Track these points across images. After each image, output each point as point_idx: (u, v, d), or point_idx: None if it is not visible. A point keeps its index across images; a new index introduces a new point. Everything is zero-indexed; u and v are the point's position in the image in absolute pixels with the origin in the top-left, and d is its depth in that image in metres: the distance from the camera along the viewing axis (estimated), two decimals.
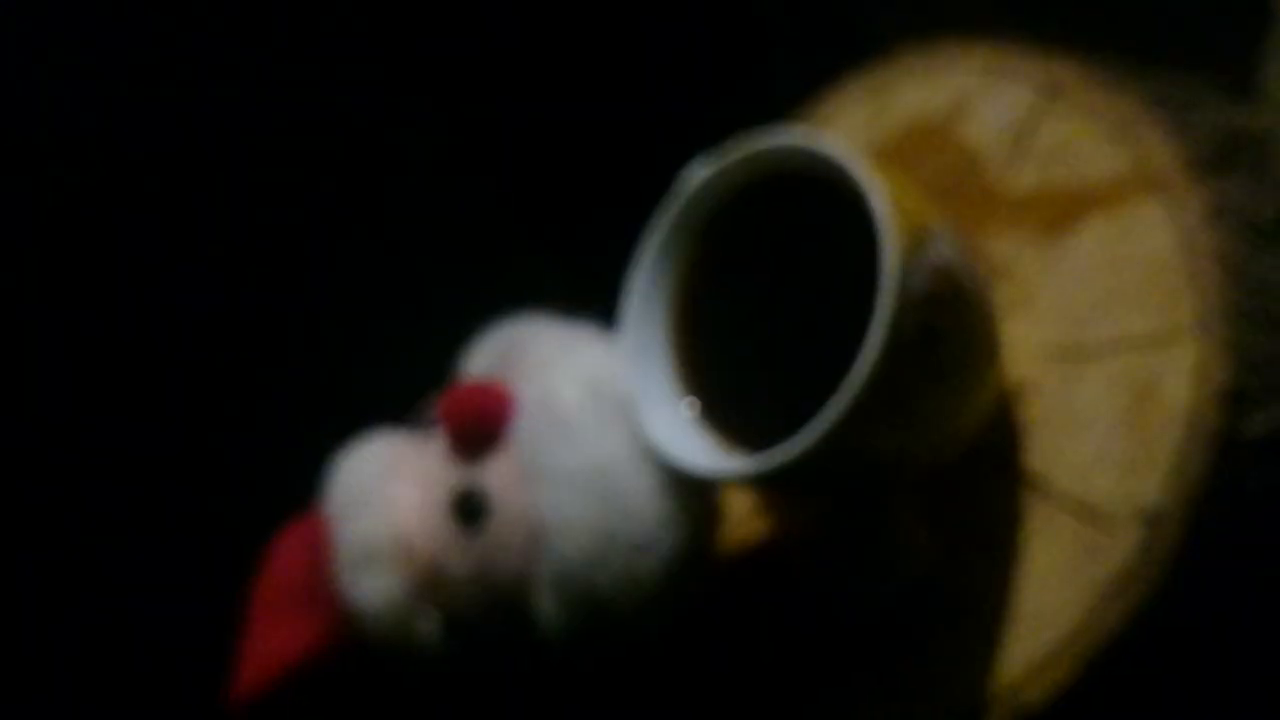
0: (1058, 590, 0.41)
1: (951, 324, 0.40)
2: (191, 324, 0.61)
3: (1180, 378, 0.41)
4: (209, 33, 0.64)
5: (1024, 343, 0.45)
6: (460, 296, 0.50)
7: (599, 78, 0.75)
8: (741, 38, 0.82)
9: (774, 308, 0.44)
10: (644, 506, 0.42)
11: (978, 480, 0.44)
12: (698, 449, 0.42)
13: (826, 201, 0.41)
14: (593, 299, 0.49)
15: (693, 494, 0.43)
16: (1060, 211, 0.45)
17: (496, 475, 0.43)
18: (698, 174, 0.44)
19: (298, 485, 0.49)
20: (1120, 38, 0.89)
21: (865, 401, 0.38)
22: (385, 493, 0.43)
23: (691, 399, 0.43)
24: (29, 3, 0.62)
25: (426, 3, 0.70)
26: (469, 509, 0.43)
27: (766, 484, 0.44)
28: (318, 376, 0.62)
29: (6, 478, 0.61)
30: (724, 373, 0.44)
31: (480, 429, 0.43)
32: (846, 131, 0.52)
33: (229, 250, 0.63)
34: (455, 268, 0.65)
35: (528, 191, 0.75)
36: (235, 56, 0.65)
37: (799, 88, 0.60)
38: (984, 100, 0.48)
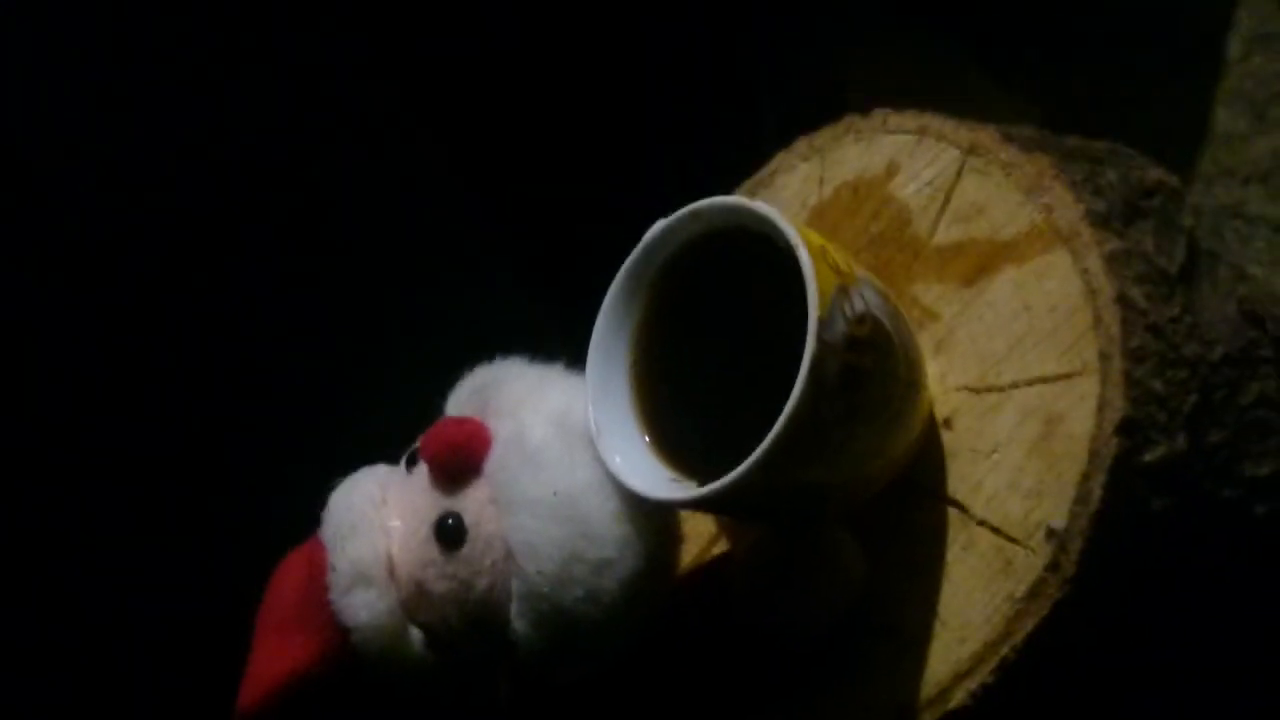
0: (978, 604, 0.46)
1: (874, 366, 0.44)
2: (195, 366, 0.65)
3: (1084, 410, 0.46)
4: (203, 61, 0.68)
5: (946, 380, 0.50)
6: (453, 339, 0.55)
7: (599, 128, 0.80)
8: (733, 102, 0.87)
9: (722, 349, 0.49)
10: (605, 530, 0.46)
11: (906, 505, 0.49)
12: (653, 478, 0.46)
13: (765, 255, 0.46)
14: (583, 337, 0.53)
15: (650, 519, 0.47)
16: (979, 261, 0.50)
17: (473, 503, 0.47)
18: (654, 227, 0.49)
19: (300, 516, 0.54)
20: (1079, 83, 0.94)
21: (792, 437, 0.42)
22: (374, 520, 0.48)
23: (649, 432, 0.48)
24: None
25: (427, 40, 0.74)
26: (448, 534, 0.47)
27: (711, 510, 0.49)
28: (318, 419, 0.66)
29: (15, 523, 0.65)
30: (678, 408, 0.48)
31: (458, 462, 0.48)
32: (793, 187, 0.57)
33: (230, 293, 0.67)
34: (449, 312, 0.69)
35: (524, 238, 0.79)
36: (230, 83, 0.68)
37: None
38: (914, 160, 0.53)
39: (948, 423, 0.49)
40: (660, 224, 0.49)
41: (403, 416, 0.53)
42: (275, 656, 0.48)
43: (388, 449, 0.54)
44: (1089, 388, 0.45)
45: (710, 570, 0.52)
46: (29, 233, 0.64)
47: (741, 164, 0.61)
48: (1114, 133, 0.64)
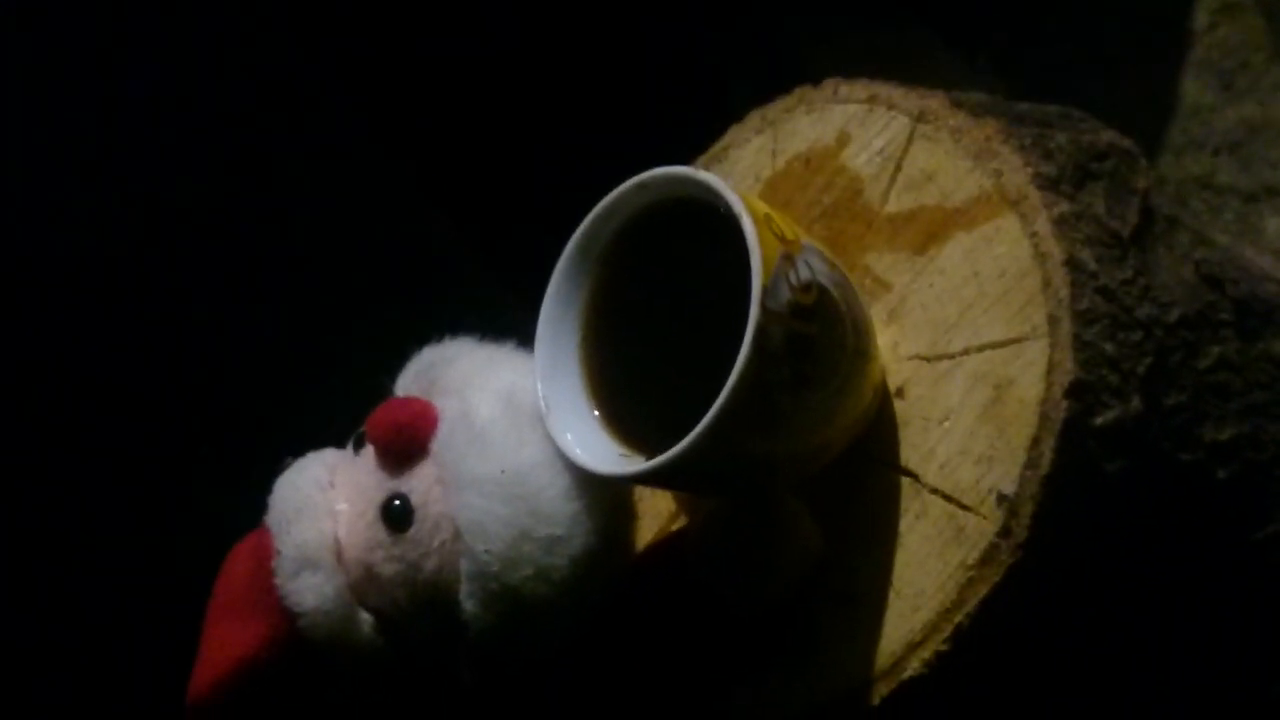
0: (931, 572, 0.45)
1: (820, 333, 0.44)
2: (140, 354, 0.65)
3: (1033, 375, 0.45)
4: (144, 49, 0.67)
5: (899, 349, 0.49)
6: (403, 321, 0.54)
7: (565, 110, 0.79)
8: (702, 87, 0.86)
9: (672, 321, 0.48)
10: (554, 508, 0.46)
11: (859, 475, 0.48)
12: (603, 454, 0.46)
13: (711, 225, 0.45)
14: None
15: (602, 496, 0.47)
16: (930, 229, 0.49)
17: (420, 484, 0.47)
18: (602, 201, 0.48)
19: (251, 503, 0.53)
20: (1046, 59, 0.94)
21: (738, 406, 0.42)
22: (320, 504, 0.47)
23: (599, 408, 0.48)
24: None
25: (375, 14, 0.73)
26: (394, 515, 0.47)
27: (662, 484, 0.48)
28: (267, 405, 0.65)
29: None
30: (629, 383, 0.48)
31: (403, 442, 0.47)
32: (746, 161, 0.56)
33: (175, 279, 0.66)
34: (399, 293, 0.69)
35: (477, 217, 0.79)
36: (172, 68, 0.68)
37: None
38: (865, 129, 0.53)
39: (900, 392, 0.48)
40: (608, 197, 0.48)
41: (354, 400, 0.52)
42: (224, 644, 0.47)
43: (339, 433, 0.53)
44: (1038, 352, 0.45)
45: (667, 544, 0.51)
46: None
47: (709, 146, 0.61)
48: (1082, 107, 0.64)
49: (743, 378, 0.42)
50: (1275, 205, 0.91)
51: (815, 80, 0.57)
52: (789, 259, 0.43)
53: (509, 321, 0.52)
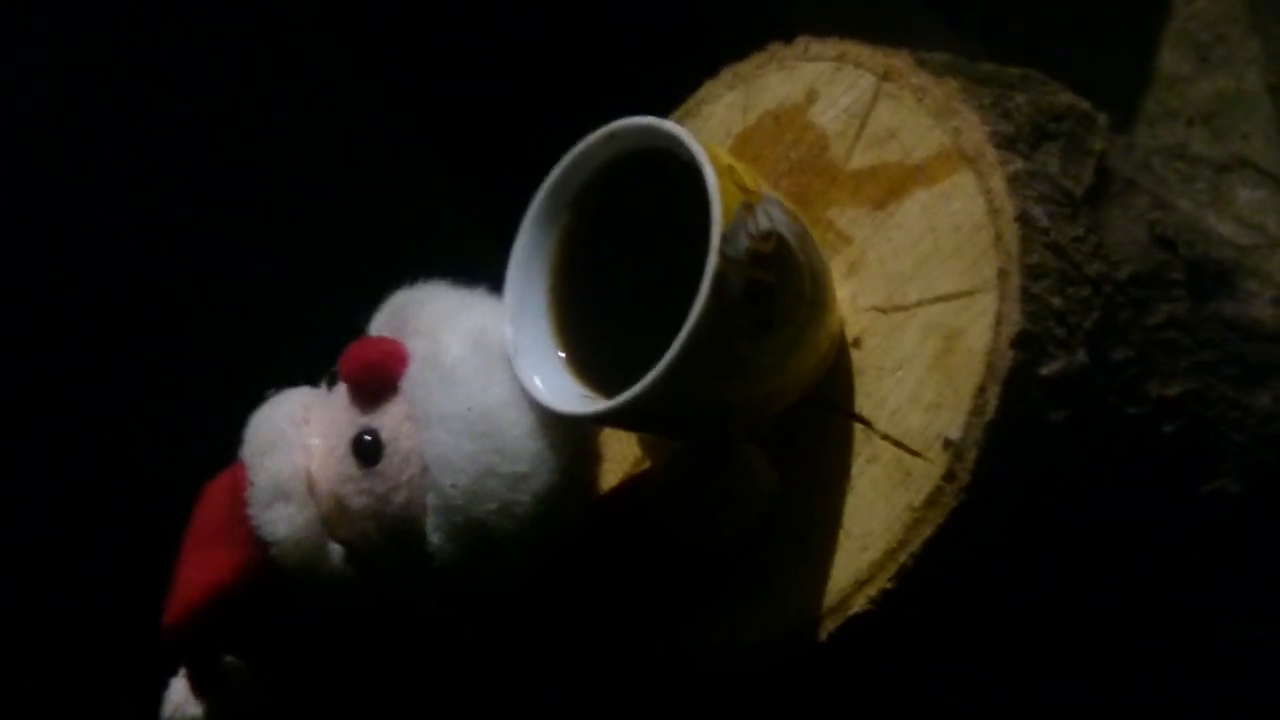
0: (879, 514, 0.47)
1: (777, 281, 0.45)
2: (120, 292, 0.66)
3: (982, 325, 0.47)
4: None
5: (858, 300, 0.51)
6: (379, 264, 0.55)
7: (545, 60, 0.80)
8: (685, 35, 0.87)
9: (638, 268, 0.50)
10: (519, 445, 0.47)
11: (815, 420, 0.50)
12: (566, 394, 0.47)
13: (677, 175, 0.47)
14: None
15: (566, 435, 0.48)
16: (891, 184, 0.51)
17: (391, 420, 0.49)
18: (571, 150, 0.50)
19: (230, 442, 0.55)
20: (1027, 26, 0.95)
21: (695, 349, 0.43)
22: (293, 438, 0.49)
23: (565, 351, 0.49)
24: None
25: None
26: (365, 449, 0.48)
27: (622, 425, 0.50)
28: (245, 347, 0.66)
29: None
30: (595, 328, 0.49)
31: (374, 379, 0.49)
32: (719, 116, 0.58)
33: (160, 218, 0.67)
34: (377, 236, 0.70)
35: (456, 162, 0.79)
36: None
37: None
38: (832, 86, 0.54)
39: (857, 342, 0.50)
40: (577, 146, 0.49)
41: (329, 340, 0.54)
42: (199, 571, 0.49)
43: (314, 373, 0.55)
44: (987, 303, 0.46)
45: (629, 485, 0.53)
46: None
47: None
48: (1061, 74, 0.65)
49: (700, 322, 0.43)
50: (1246, 176, 0.92)
51: (793, 38, 0.58)
52: (749, 208, 0.45)
53: (481, 267, 0.53)
